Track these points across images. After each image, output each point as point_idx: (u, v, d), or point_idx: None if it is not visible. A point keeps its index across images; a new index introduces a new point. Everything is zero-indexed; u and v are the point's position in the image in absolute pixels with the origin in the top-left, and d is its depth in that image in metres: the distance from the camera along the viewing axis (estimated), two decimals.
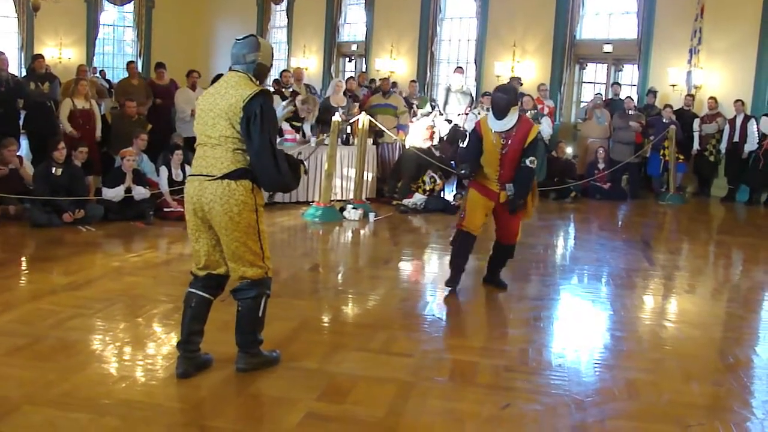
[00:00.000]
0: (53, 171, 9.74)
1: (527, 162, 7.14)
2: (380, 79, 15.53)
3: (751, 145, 14.46)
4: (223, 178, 4.73)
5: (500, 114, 7.11)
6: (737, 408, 4.98)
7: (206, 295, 5.04)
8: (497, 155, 7.16)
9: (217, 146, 4.77)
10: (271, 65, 5.18)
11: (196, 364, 5.03)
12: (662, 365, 5.72)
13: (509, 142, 7.11)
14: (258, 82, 4.93)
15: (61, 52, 24.29)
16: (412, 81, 16.96)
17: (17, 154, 10.28)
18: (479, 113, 13.52)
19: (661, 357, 5.92)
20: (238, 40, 5.01)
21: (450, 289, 7.47)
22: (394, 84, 15.72)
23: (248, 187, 4.77)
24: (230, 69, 5.01)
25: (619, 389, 5.18)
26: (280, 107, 5.68)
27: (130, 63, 14.37)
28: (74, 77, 14.14)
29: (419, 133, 13.21)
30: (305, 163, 5.27)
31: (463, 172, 7.38)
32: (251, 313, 5.03)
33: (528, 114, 13.81)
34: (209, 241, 4.94)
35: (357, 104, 13.84)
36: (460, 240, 7.53)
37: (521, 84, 16.25)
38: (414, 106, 14.89)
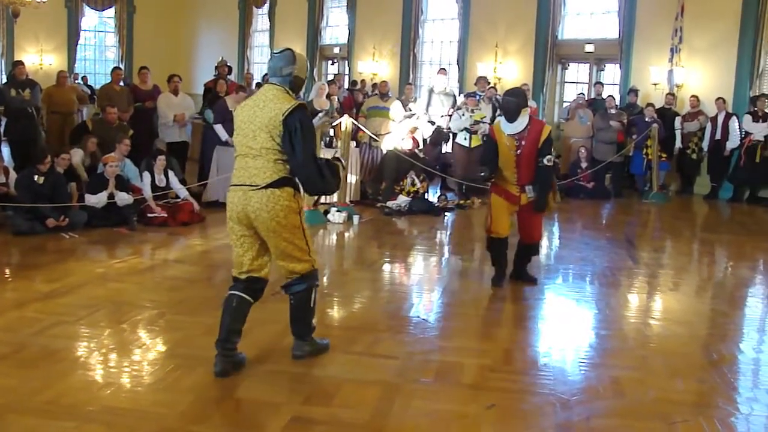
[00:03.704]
0: (35, 179, 9.67)
1: (544, 161, 7.42)
2: (380, 82, 15.53)
3: (733, 142, 14.51)
4: (267, 187, 4.98)
5: (511, 117, 7.43)
6: (721, 404, 5.01)
7: (247, 297, 5.24)
8: (512, 157, 7.44)
9: (258, 157, 5.01)
10: (306, 77, 5.40)
11: (233, 362, 5.19)
12: (647, 363, 5.75)
13: (523, 143, 7.39)
14: (294, 95, 5.20)
15: (42, 59, 24.15)
16: (408, 84, 16.97)
17: (3, 165, 10.24)
18: (463, 114, 13.54)
19: (646, 354, 5.95)
20: (275, 53, 5.27)
21: (497, 286, 7.78)
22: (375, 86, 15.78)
23: (291, 193, 5.05)
24: (267, 81, 5.29)
25: (604, 387, 5.20)
26: (317, 118, 5.99)
27: (116, 69, 14.27)
28: (54, 84, 14.10)
29: (400, 135, 13.20)
30: (342, 160, 5.67)
31: (483, 174, 7.67)
32: (304, 304, 5.36)
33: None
34: (254, 245, 5.19)
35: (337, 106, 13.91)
36: (493, 246, 7.82)
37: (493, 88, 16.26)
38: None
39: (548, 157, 7.42)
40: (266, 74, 17.26)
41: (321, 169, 5.07)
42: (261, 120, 4.98)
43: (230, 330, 5.16)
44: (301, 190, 5.19)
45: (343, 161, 5.60)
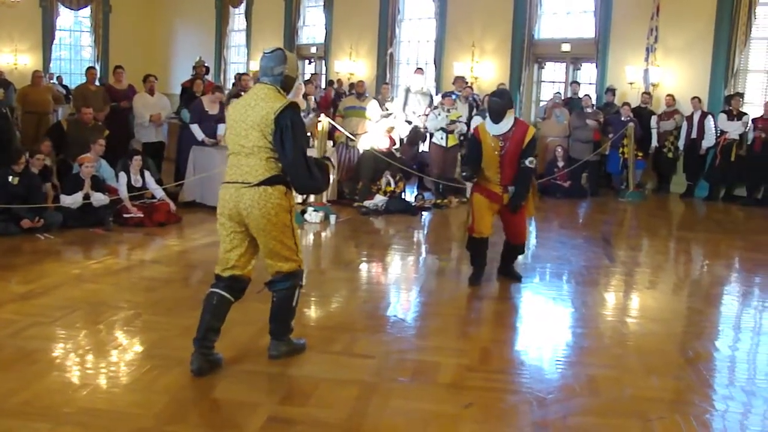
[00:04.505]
0: (10, 179, 9.58)
1: (526, 162, 7.51)
2: (357, 82, 15.59)
3: (709, 141, 14.60)
4: (259, 185, 5.03)
5: (497, 118, 7.49)
6: (697, 401, 5.03)
7: (228, 296, 5.25)
8: (496, 157, 7.51)
9: (250, 155, 5.07)
10: (297, 76, 5.47)
11: (210, 360, 5.18)
12: (623, 361, 5.77)
13: (507, 144, 7.46)
14: (285, 94, 5.24)
15: (16, 58, 23.98)
16: (385, 83, 16.98)
17: None
18: (439, 114, 13.53)
19: (623, 353, 5.98)
20: (266, 53, 5.28)
21: (474, 285, 7.79)
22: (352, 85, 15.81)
23: (282, 191, 5.11)
24: (258, 81, 5.28)
25: (580, 385, 5.22)
26: (308, 118, 6.01)
27: (90, 68, 14.17)
28: (29, 84, 14.03)
29: (377, 134, 13.19)
30: (332, 160, 5.55)
31: (465, 174, 7.83)
32: (286, 303, 5.38)
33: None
34: (243, 243, 5.22)
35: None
36: (473, 246, 7.88)
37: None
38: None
39: (530, 159, 7.51)
40: (239, 73, 17.23)
41: (310, 167, 5.11)
42: (253, 118, 5.02)
43: (209, 328, 5.16)
44: (292, 188, 5.23)
45: (332, 161, 5.67)
